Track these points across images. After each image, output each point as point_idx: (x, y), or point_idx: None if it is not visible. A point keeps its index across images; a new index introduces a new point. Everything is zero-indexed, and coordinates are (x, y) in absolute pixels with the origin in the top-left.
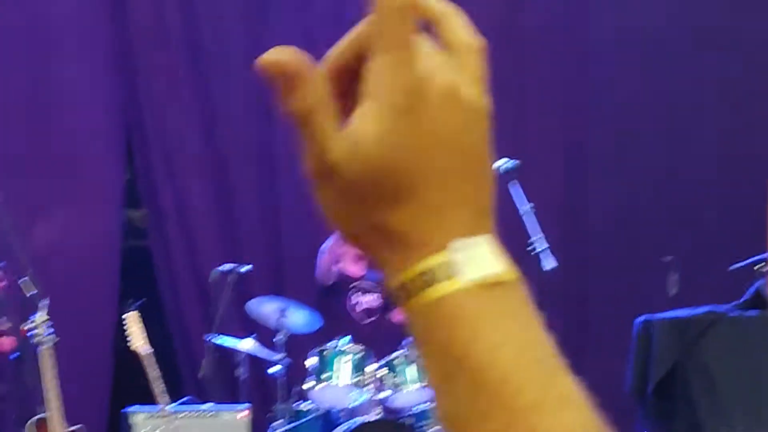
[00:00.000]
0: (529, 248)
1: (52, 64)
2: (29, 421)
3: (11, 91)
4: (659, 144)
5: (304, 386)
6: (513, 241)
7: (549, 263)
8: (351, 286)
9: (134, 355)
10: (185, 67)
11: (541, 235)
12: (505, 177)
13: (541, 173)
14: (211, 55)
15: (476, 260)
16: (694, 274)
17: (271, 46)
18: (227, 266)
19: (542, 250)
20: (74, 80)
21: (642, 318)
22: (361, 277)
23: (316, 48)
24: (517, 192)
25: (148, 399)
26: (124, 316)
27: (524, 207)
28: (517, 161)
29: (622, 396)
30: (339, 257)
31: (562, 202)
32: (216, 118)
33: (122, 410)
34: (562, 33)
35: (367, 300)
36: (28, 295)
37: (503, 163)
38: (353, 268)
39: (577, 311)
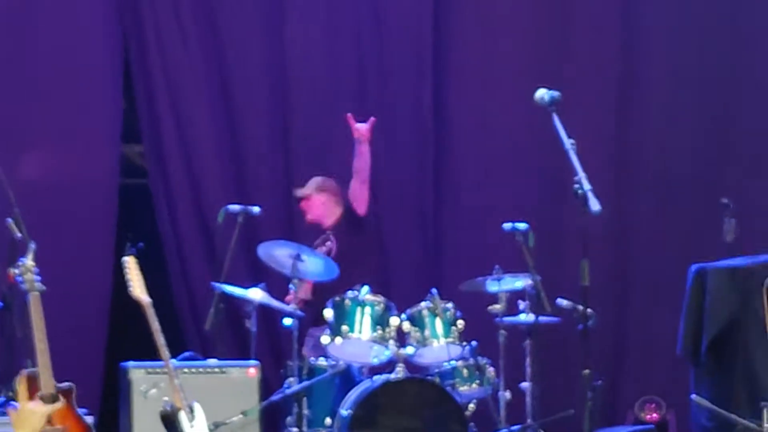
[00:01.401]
0: (575, 187)
1: None
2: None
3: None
4: (716, 78)
5: (321, 340)
6: (555, 177)
7: (595, 205)
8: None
9: (131, 305)
10: (192, 5)
11: (585, 174)
12: (546, 108)
13: (587, 108)
14: None
15: None
16: (753, 219)
17: None
18: (236, 207)
19: (587, 191)
20: (70, 2)
21: (696, 267)
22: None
23: None
24: (559, 126)
25: (146, 354)
26: (122, 261)
27: (567, 142)
28: (558, 92)
29: (673, 356)
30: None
31: (609, 140)
32: (223, 47)
33: (120, 365)
34: None
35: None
36: (16, 237)
37: (543, 93)
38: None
39: (623, 260)
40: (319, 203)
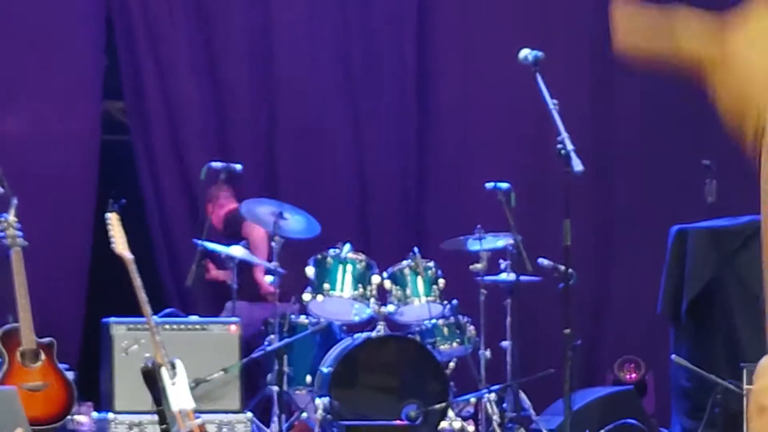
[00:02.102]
0: (558, 147)
1: None
2: None
3: None
4: None
5: (302, 298)
6: (540, 137)
7: (577, 165)
8: None
9: (112, 262)
10: None
11: (567, 134)
12: (529, 67)
13: (570, 68)
14: None
15: None
16: (734, 180)
17: None
18: (218, 164)
19: (570, 151)
20: None
21: (676, 227)
22: None
23: None
24: (541, 85)
25: (128, 310)
26: (105, 217)
27: (550, 102)
28: (541, 52)
29: (653, 317)
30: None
31: (589, 100)
32: (206, 1)
33: (102, 321)
34: None
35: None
36: None
37: (527, 53)
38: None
39: (604, 220)
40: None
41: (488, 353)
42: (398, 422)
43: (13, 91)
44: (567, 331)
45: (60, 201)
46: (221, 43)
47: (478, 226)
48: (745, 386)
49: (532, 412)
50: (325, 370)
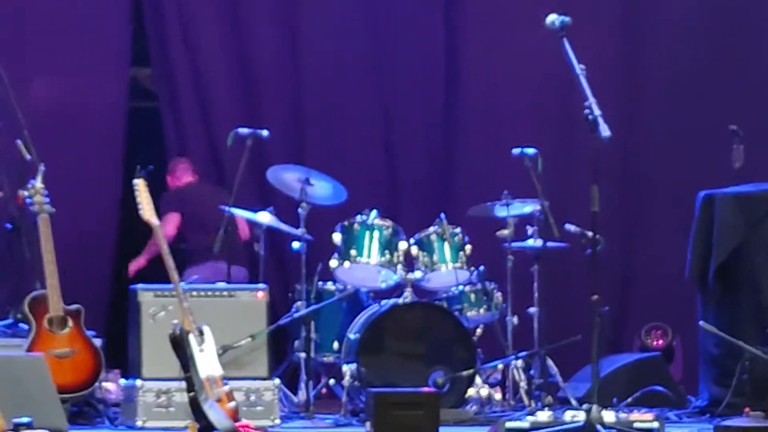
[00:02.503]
0: (585, 112)
1: None
2: (25, 299)
3: None
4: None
5: (329, 264)
6: (567, 103)
7: (604, 130)
8: None
9: (138, 229)
10: None
11: (595, 100)
12: (556, 32)
13: (597, 33)
14: None
15: None
16: (761, 145)
17: None
18: (245, 130)
19: (597, 116)
20: None
21: (704, 193)
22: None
23: None
24: (569, 51)
25: (153, 277)
26: (133, 184)
27: (577, 68)
28: (568, 17)
29: (681, 283)
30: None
31: (619, 65)
32: None
33: (129, 287)
34: None
35: None
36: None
37: (554, 18)
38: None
39: (632, 186)
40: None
41: (515, 320)
42: (426, 389)
43: (40, 60)
44: (594, 297)
45: (88, 167)
46: (248, 7)
47: (505, 192)
48: None
49: (559, 378)
50: (352, 336)
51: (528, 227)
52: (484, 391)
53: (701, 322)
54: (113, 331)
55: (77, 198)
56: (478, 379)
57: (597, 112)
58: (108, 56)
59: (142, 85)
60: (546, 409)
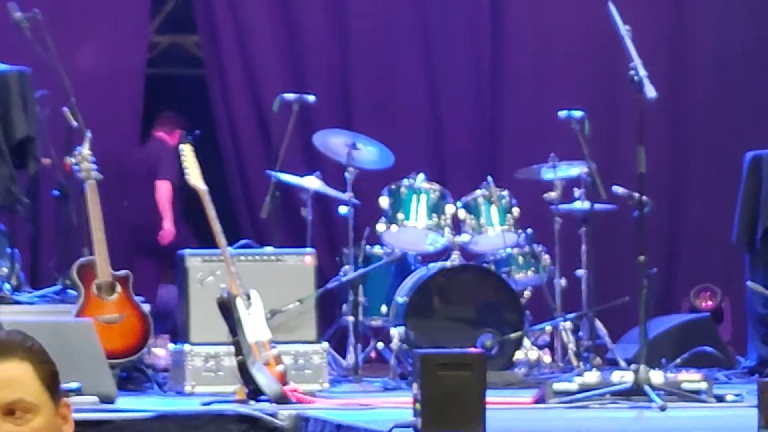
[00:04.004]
0: (631, 73)
1: None
2: (73, 265)
3: None
4: None
5: (376, 228)
6: (612, 65)
7: (650, 91)
8: None
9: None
10: None
11: (640, 61)
12: None
13: None
14: None
15: None
16: None
17: None
18: (291, 95)
19: (643, 77)
20: None
21: (752, 154)
22: None
23: None
24: (614, 12)
25: (201, 242)
26: (179, 149)
27: (623, 29)
28: None
29: (728, 244)
30: None
31: (665, 26)
32: None
33: (177, 252)
34: None
35: None
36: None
37: None
38: None
39: (679, 147)
40: None
41: (563, 282)
42: (473, 350)
43: (79, 28)
44: (641, 258)
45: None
46: None
47: (552, 154)
48: None
49: (607, 340)
50: (400, 300)
51: (575, 189)
52: (533, 354)
53: (749, 282)
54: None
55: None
56: (526, 342)
57: (643, 73)
58: (129, 23)
59: (189, 51)
60: (594, 370)
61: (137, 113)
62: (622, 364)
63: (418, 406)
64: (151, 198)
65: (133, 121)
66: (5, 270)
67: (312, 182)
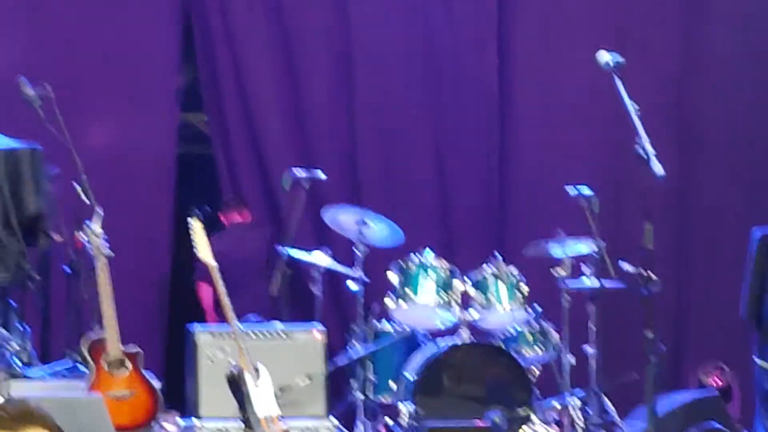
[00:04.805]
0: (638, 151)
1: None
2: (82, 341)
3: None
4: None
5: (385, 304)
6: (619, 142)
7: (657, 168)
8: None
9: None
10: None
11: (648, 138)
12: (609, 71)
13: (650, 71)
14: None
15: None
16: None
17: None
18: (300, 171)
19: (651, 156)
20: None
21: (759, 230)
22: None
23: None
24: (621, 89)
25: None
26: (188, 224)
27: (630, 106)
28: (620, 56)
29: (736, 320)
30: None
31: (672, 104)
32: (286, 11)
33: (187, 327)
34: None
35: None
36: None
37: (606, 56)
38: None
39: (686, 223)
40: None
41: (572, 358)
42: (478, 422)
43: (93, 105)
44: (649, 334)
45: (141, 211)
46: (301, 50)
47: (560, 230)
48: None
49: (616, 417)
50: (409, 376)
51: (583, 266)
52: (542, 430)
53: (756, 359)
54: (171, 370)
55: (132, 240)
56: (535, 418)
57: (650, 150)
58: (158, 101)
59: (197, 129)
60: None
61: (170, 192)
62: None
63: None
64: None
65: (167, 200)
66: (16, 346)
67: (322, 258)
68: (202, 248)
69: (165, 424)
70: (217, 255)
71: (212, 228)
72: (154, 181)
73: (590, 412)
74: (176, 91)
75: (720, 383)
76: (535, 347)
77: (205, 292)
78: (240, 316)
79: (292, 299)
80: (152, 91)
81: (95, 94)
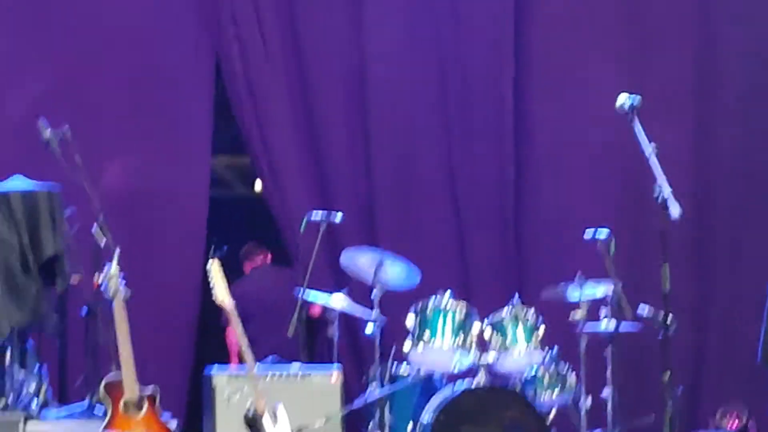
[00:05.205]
0: (655, 193)
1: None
2: (101, 383)
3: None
4: None
5: (402, 347)
6: (636, 183)
7: (675, 210)
8: None
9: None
10: (274, 15)
11: (665, 179)
12: (627, 114)
13: (667, 112)
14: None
15: None
16: None
17: None
18: (318, 214)
19: (668, 196)
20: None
21: None
22: None
23: None
24: (639, 131)
25: (224, 357)
26: (207, 265)
27: (648, 148)
28: (639, 96)
29: (754, 361)
30: None
31: (689, 145)
32: (304, 53)
33: (204, 370)
34: None
35: None
36: (101, 243)
37: (624, 99)
38: None
39: (703, 266)
40: None
41: (589, 401)
42: None
43: (124, 147)
44: (666, 376)
45: (170, 252)
46: (319, 93)
47: (578, 273)
48: None
49: None
50: (426, 419)
51: (601, 308)
52: None
53: None
54: (190, 410)
55: (159, 281)
56: None
57: (667, 191)
58: (190, 145)
59: (216, 173)
60: None
61: (201, 235)
62: None
63: None
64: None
65: (196, 240)
66: (33, 386)
67: (339, 300)
68: (220, 289)
69: None
70: (239, 298)
71: (234, 274)
72: (186, 223)
73: None
74: (209, 134)
75: (737, 425)
76: (553, 390)
77: (232, 334)
78: (263, 358)
79: (310, 341)
80: (185, 133)
81: (124, 136)
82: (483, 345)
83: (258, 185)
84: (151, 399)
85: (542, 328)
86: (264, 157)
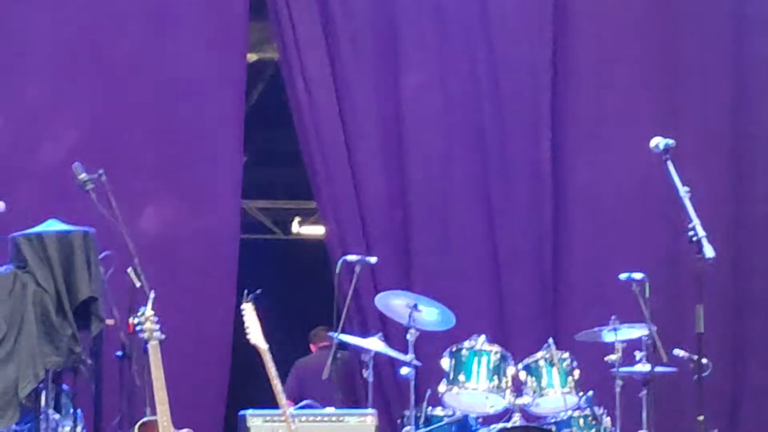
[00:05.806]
0: (690, 234)
1: (169, 44)
2: (135, 425)
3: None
4: None
5: (438, 389)
6: (670, 226)
7: (709, 251)
8: None
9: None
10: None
11: (699, 221)
12: (661, 155)
13: (701, 155)
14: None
15: None
16: None
17: None
18: (353, 257)
19: (701, 238)
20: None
21: None
22: None
23: None
24: (673, 173)
25: (261, 399)
26: (241, 308)
27: (681, 189)
28: (672, 140)
29: None
30: None
31: (723, 186)
32: (341, 100)
33: (239, 413)
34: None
35: None
36: (136, 285)
37: (658, 142)
38: None
39: (739, 309)
40: None
41: None
42: None
43: (157, 194)
44: (701, 418)
45: (202, 295)
46: (355, 138)
47: (613, 316)
48: None
49: None
50: None
51: (636, 351)
52: None
53: None
54: None
55: (192, 323)
56: None
57: (702, 233)
58: (220, 186)
59: (251, 217)
60: None
61: (232, 277)
62: None
63: None
64: None
65: (227, 284)
66: (68, 429)
67: (374, 344)
68: (254, 332)
69: None
70: (303, 372)
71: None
72: (217, 265)
73: None
74: (239, 180)
75: None
76: None
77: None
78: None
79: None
80: (216, 177)
81: (156, 178)
82: (518, 388)
83: (295, 227)
84: None
85: (577, 371)
86: (329, 204)
